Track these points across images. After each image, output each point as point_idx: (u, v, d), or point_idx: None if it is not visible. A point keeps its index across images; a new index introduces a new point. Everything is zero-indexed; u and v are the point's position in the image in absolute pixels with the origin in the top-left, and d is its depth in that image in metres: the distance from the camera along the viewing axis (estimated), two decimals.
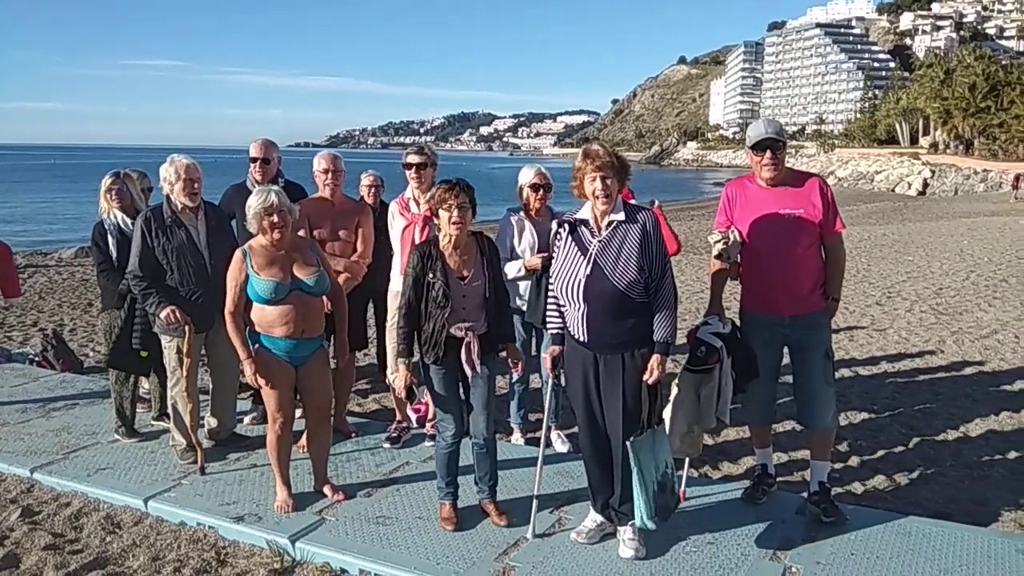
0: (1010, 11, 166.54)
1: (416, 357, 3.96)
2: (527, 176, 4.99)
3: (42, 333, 8.92)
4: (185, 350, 4.68)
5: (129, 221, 5.07)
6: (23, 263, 16.50)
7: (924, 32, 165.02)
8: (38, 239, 24.56)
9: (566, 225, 3.68)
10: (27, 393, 6.45)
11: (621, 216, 3.57)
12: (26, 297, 12.12)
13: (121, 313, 5.03)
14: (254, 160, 5.32)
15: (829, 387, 4.02)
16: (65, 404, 6.16)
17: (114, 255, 5.15)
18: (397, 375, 3.95)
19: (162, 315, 4.59)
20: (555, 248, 3.73)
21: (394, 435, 5.20)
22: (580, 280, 3.54)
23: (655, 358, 3.55)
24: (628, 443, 3.50)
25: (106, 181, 5.25)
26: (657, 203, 5.12)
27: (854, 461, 5.23)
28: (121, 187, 5.25)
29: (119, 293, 5.05)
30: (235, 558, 3.90)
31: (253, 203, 4.01)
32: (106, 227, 5.21)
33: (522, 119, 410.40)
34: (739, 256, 4.06)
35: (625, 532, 3.72)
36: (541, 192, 4.94)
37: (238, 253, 4.12)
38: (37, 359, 7.66)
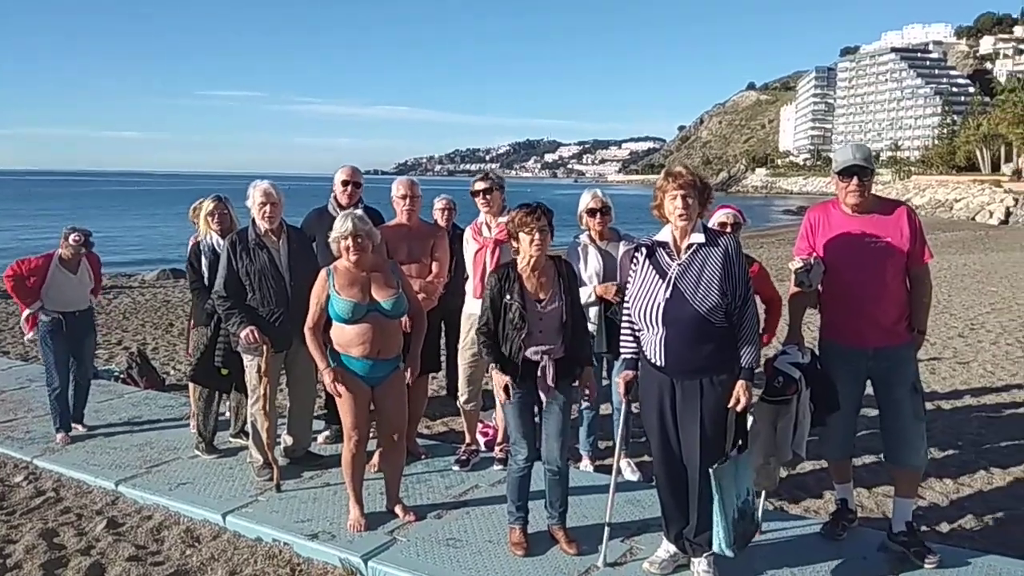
0: None
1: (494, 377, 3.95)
2: (584, 201, 5.03)
3: (127, 352, 9.28)
4: (264, 369, 4.81)
5: (223, 242, 5.26)
6: (108, 284, 17.24)
7: (1006, 56, 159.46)
8: (122, 261, 25.58)
9: (644, 248, 3.66)
10: (112, 409, 6.71)
11: (701, 239, 3.52)
12: (111, 317, 12.67)
13: (207, 331, 5.22)
14: (345, 183, 5.46)
15: (920, 422, 3.86)
16: (148, 420, 6.39)
17: (205, 275, 5.32)
18: (494, 377, 3.91)
19: (242, 335, 4.75)
20: (631, 271, 3.71)
21: (463, 458, 5.23)
22: (659, 303, 3.50)
23: (740, 384, 3.48)
24: (711, 470, 3.44)
25: (207, 205, 5.43)
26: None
27: (939, 499, 5.02)
28: (223, 210, 5.43)
29: (206, 312, 5.23)
30: (309, 575, 3.97)
31: (336, 227, 4.14)
32: (201, 248, 5.41)
33: (587, 146, 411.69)
34: (820, 283, 3.96)
35: (700, 564, 3.64)
36: (599, 216, 4.96)
37: (323, 272, 4.24)
38: (122, 376, 7.99)
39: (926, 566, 3.75)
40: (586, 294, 4.80)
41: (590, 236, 5.04)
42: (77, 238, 5.85)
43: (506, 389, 3.86)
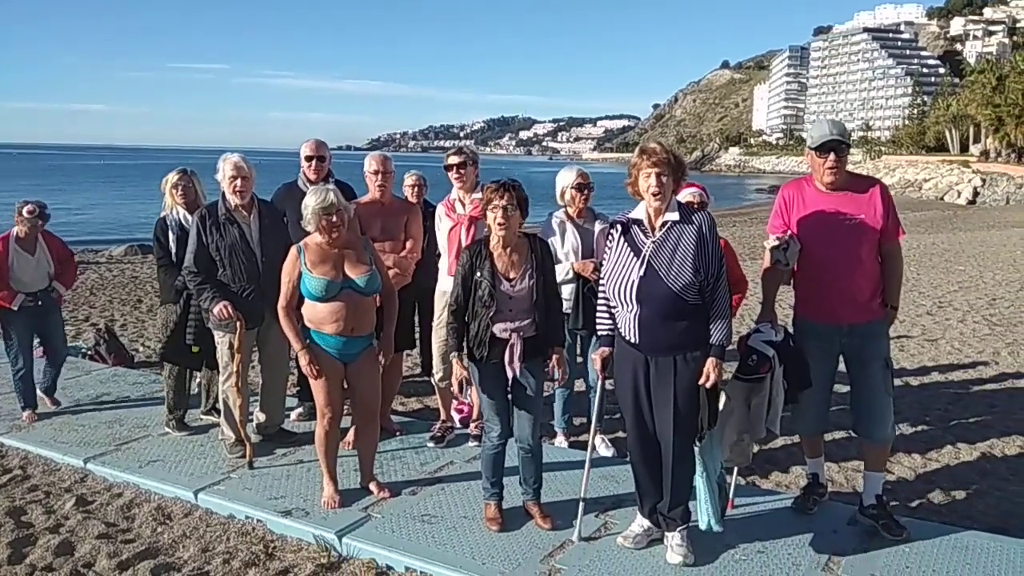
0: None
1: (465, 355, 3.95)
2: (570, 177, 4.99)
3: (94, 328, 9.13)
4: (236, 345, 4.75)
5: (190, 217, 5.16)
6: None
7: (975, 37, 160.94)
8: (89, 237, 25.14)
9: (619, 226, 3.64)
10: (80, 386, 6.61)
11: (676, 216, 3.52)
12: (78, 293, 12.44)
13: (177, 308, 5.12)
14: (309, 159, 5.37)
15: (888, 397, 3.91)
16: (117, 397, 6.30)
17: (173, 250, 5.24)
18: (453, 369, 3.93)
19: (214, 310, 4.68)
20: (607, 248, 3.69)
21: (438, 434, 5.22)
22: (633, 281, 3.49)
23: (710, 362, 3.49)
24: (696, 449, 3.47)
25: (172, 177, 5.33)
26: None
27: (908, 473, 5.11)
28: (187, 183, 5.34)
29: (175, 288, 5.14)
30: (283, 552, 3.94)
31: (311, 202, 4.04)
32: (167, 223, 5.31)
33: (562, 123, 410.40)
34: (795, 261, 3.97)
35: (673, 538, 3.67)
36: (586, 192, 4.95)
37: (293, 250, 4.18)
38: (90, 353, 7.86)
39: (895, 539, 3.81)
40: (563, 271, 4.79)
41: (567, 213, 5.01)
42: (31, 209, 5.65)
43: (460, 385, 3.90)
